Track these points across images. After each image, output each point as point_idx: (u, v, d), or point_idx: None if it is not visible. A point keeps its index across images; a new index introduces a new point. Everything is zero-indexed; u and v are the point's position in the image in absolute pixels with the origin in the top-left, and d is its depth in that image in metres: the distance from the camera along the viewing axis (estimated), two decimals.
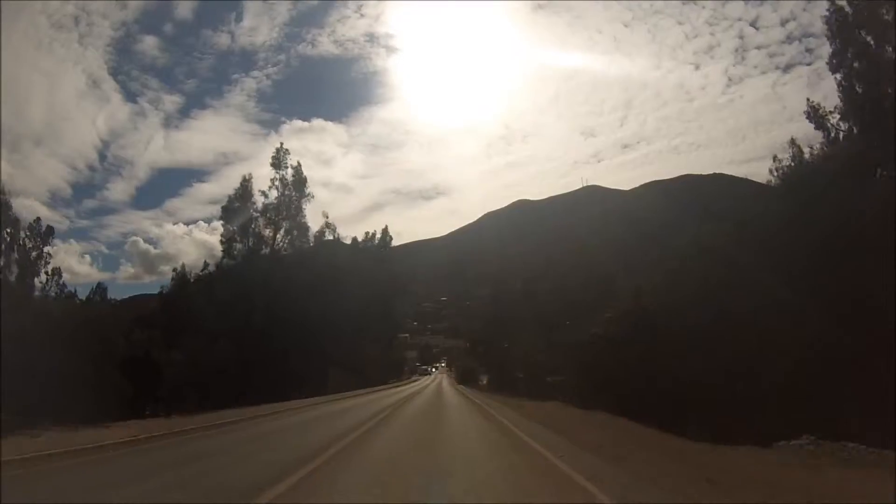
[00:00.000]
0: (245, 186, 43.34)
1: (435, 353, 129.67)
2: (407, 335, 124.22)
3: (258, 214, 43.09)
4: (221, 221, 42.63)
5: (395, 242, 77.11)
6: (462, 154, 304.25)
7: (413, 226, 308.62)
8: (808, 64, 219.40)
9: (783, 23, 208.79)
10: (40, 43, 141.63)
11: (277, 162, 44.78)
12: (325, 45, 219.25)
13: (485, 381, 52.43)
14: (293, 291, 39.86)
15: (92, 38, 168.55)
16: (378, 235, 63.31)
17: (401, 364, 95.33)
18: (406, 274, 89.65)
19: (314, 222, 51.91)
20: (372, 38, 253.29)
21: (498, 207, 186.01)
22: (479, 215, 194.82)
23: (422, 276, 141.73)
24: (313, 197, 45.24)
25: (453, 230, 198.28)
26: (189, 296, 36.52)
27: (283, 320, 36.79)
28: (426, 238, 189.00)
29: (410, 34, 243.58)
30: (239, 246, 42.19)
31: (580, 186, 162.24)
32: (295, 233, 44.55)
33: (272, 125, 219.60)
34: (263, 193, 43.83)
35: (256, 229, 42.89)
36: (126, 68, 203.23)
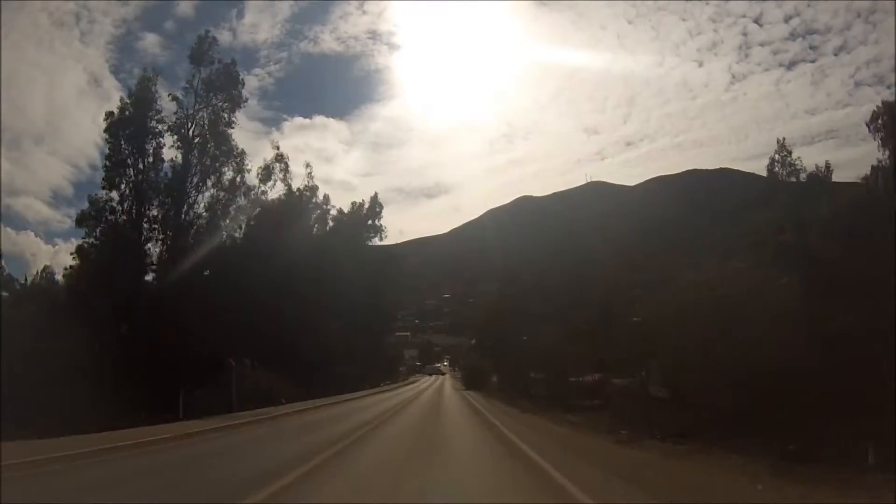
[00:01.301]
0: (146, 87, 29.96)
1: (437, 351, 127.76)
2: (408, 333, 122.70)
3: (163, 128, 30.02)
4: (105, 136, 29.16)
5: (398, 240, 72.32)
6: (464, 151, 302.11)
7: (415, 224, 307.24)
8: (812, 61, 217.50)
9: (787, 19, 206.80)
10: (41, 41, 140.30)
11: (199, 54, 30.85)
12: (327, 42, 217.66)
13: (495, 383, 43.21)
14: (217, 259, 29.80)
15: (93, 35, 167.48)
16: (367, 205, 52.29)
17: (396, 363, 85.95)
18: (406, 269, 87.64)
19: (254, 151, 41.03)
20: (374, 35, 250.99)
21: (501, 204, 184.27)
22: (482, 212, 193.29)
23: (424, 274, 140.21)
24: (247, 101, 32.74)
25: (456, 227, 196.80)
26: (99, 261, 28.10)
27: (191, 300, 26.29)
28: (428, 235, 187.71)
29: (413, 31, 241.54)
30: (130, 173, 29.01)
31: (584, 182, 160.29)
32: (216, 153, 30.75)
33: (274, 122, 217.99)
34: (174, 98, 30.40)
35: (157, 150, 29.93)
36: (127, 66, 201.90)
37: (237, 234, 33.65)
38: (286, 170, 38.41)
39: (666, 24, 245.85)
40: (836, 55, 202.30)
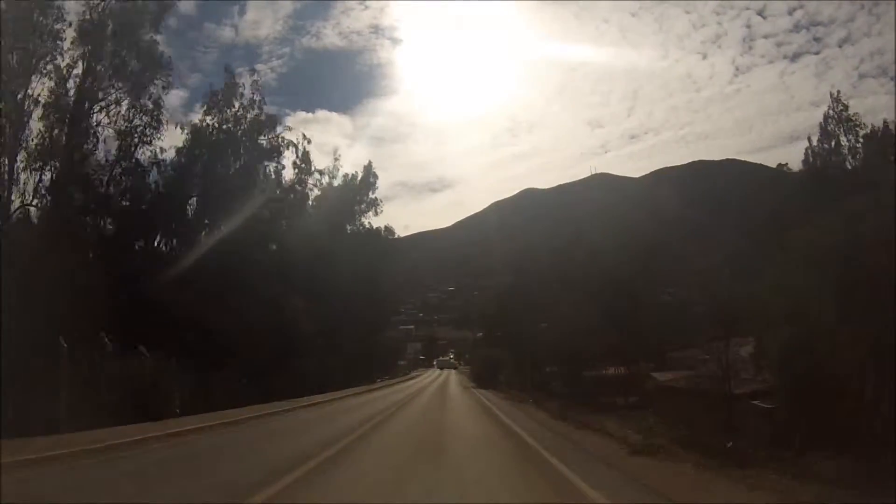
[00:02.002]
0: None
1: (441, 345, 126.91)
2: (412, 327, 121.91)
3: (61, 27, 22.18)
4: None
5: (401, 234, 66.90)
6: (468, 146, 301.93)
7: (420, 219, 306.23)
8: (816, 53, 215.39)
9: (791, 11, 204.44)
10: None
11: None
12: (329, 37, 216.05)
13: (504, 378, 38.03)
14: (118, 203, 24.07)
15: None
16: (360, 175, 44.47)
17: (396, 356, 79.72)
18: (408, 261, 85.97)
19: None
20: (377, 29, 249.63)
21: (505, 197, 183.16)
22: (486, 205, 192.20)
23: (428, 267, 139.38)
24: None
25: (459, 220, 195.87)
26: None
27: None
28: (432, 229, 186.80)
29: (415, 25, 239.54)
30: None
31: (589, 174, 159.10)
32: (131, 62, 23.47)
33: (276, 118, 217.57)
34: None
35: (47, 53, 21.90)
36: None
37: (153, 179, 26.01)
38: (241, 98, 30.18)
39: (669, 16, 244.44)
40: (840, 47, 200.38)
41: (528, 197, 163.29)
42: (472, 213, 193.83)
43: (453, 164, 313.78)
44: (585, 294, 19.39)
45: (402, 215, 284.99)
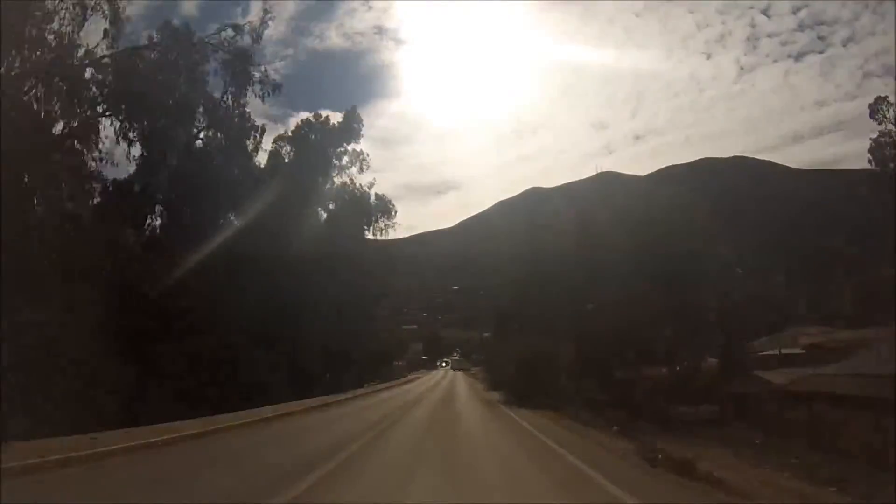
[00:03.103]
0: None
1: (445, 344, 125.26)
2: (415, 326, 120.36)
3: None
4: None
5: (405, 234, 60.22)
6: (472, 147, 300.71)
7: (424, 221, 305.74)
8: (821, 52, 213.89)
9: (795, 11, 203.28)
10: None
11: None
12: (333, 38, 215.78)
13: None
14: None
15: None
16: (339, 120, 35.27)
17: (390, 356, 72.70)
18: (412, 262, 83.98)
19: None
20: (380, 30, 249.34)
21: (510, 196, 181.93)
22: (491, 204, 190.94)
23: (431, 267, 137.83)
24: None
25: (463, 219, 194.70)
26: None
27: None
28: (436, 229, 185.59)
29: (419, 27, 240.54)
30: None
31: (595, 173, 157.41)
32: None
33: (281, 119, 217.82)
34: None
35: None
36: None
37: None
38: None
39: (674, 16, 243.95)
40: (844, 46, 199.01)
41: (533, 195, 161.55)
42: (477, 212, 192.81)
43: (458, 167, 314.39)
44: (631, 275, 16.58)
45: (407, 217, 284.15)
